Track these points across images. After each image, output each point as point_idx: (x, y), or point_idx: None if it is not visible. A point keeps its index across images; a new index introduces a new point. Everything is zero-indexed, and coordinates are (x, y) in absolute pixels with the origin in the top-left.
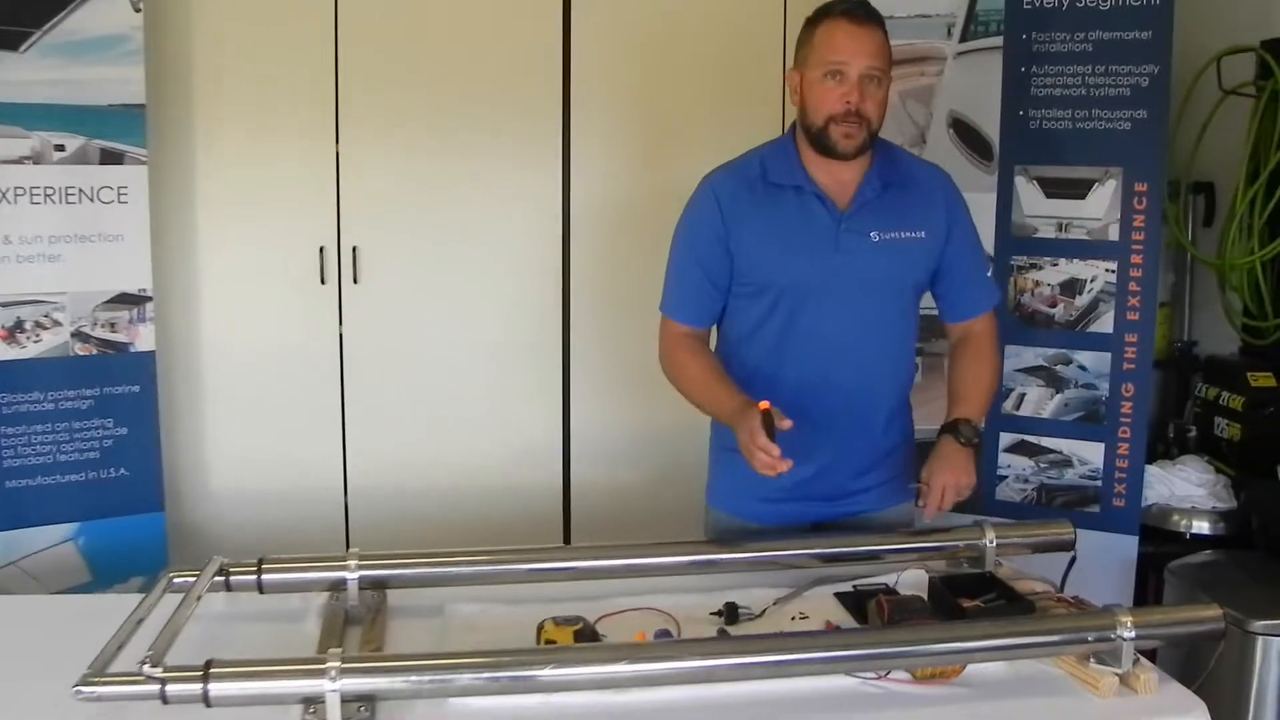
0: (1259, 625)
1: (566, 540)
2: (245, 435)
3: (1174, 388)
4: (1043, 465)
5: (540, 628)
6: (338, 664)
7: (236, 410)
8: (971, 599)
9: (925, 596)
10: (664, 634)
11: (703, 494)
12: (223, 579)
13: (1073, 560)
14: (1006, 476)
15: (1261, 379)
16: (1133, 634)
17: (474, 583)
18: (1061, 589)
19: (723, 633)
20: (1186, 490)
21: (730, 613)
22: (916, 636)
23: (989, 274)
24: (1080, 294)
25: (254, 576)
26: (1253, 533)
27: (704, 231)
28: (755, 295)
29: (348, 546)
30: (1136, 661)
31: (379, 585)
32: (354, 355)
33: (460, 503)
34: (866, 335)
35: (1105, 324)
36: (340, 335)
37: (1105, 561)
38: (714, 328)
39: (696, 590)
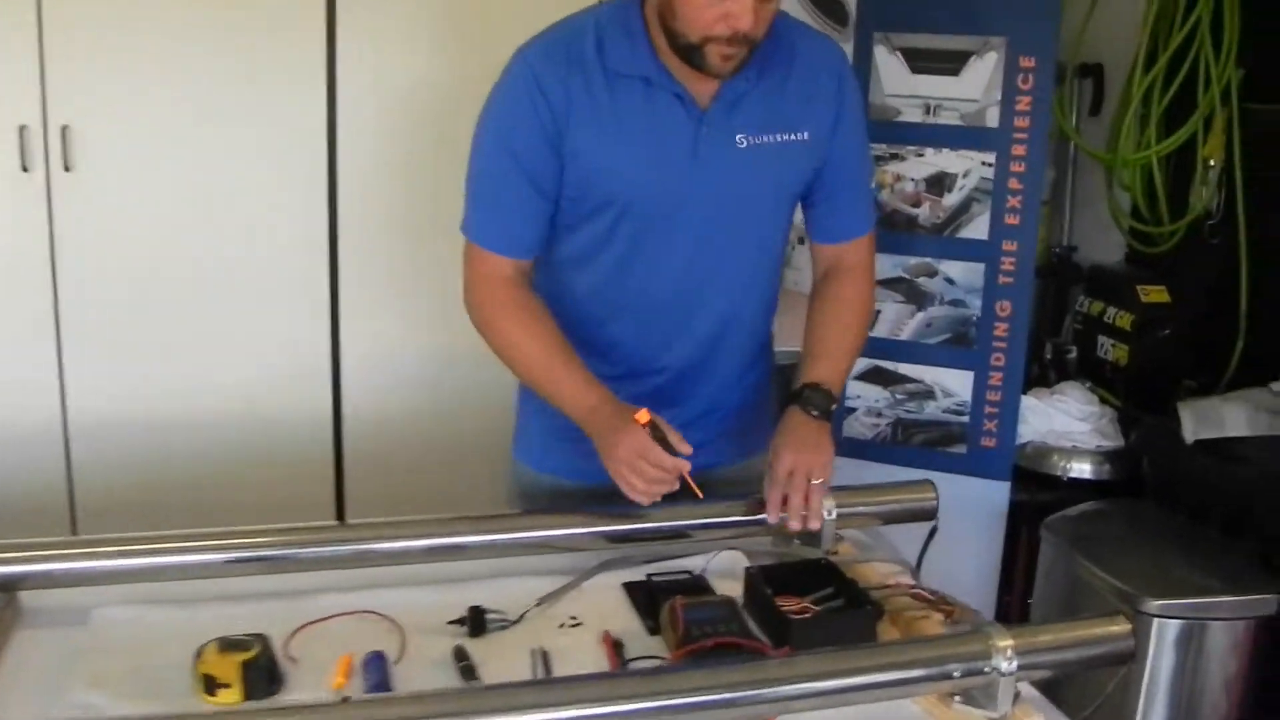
0: (1154, 605)
1: (338, 484)
2: None
3: (1051, 300)
4: (900, 396)
5: (198, 655)
6: None
7: None
8: (800, 597)
9: (740, 593)
10: (374, 660)
11: (508, 428)
12: None
13: (933, 532)
14: (856, 409)
15: (1153, 293)
16: (1013, 665)
17: (135, 580)
18: (919, 568)
19: (460, 653)
20: (1066, 425)
21: (475, 620)
22: (710, 682)
23: (872, 186)
24: (950, 191)
25: None
26: (1144, 478)
27: (526, 126)
28: (588, 216)
29: (71, 492)
30: (1016, 698)
31: (6, 586)
32: (69, 260)
33: (207, 438)
34: (729, 263)
35: (979, 228)
36: (50, 236)
37: (972, 513)
38: None
39: (442, 581)
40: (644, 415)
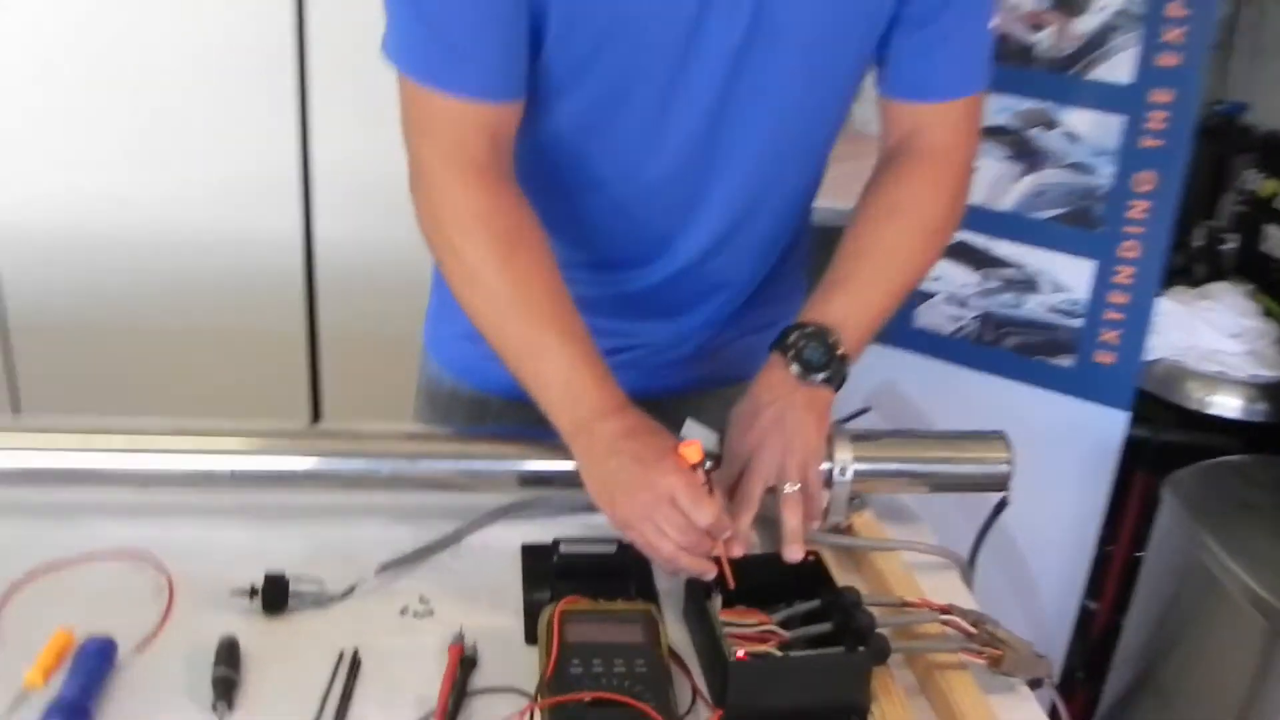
0: None
1: (311, 311)
2: None
3: (1206, 173)
4: (993, 284)
5: None
6: None
7: None
8: (766, 613)
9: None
10: (93, 654)
11: None
12: None
13: (1002, 505)
14: (934, 294)
15: None
16: None
17: None
18: (973, 563)
19: (225, 651)
20: (1213, 342)
21: (272, 593)
22: None
23: (989, 29)
24: (1085, 13)
25: None
26: None
27: None
28: (554, 56)
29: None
30: None
31: None
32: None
33: (159, 264)
34: (764, 118)
35: (1120, 68)
36: None
37: (1071, 449)
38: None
39: (261, 518)
40: (696, 451)
